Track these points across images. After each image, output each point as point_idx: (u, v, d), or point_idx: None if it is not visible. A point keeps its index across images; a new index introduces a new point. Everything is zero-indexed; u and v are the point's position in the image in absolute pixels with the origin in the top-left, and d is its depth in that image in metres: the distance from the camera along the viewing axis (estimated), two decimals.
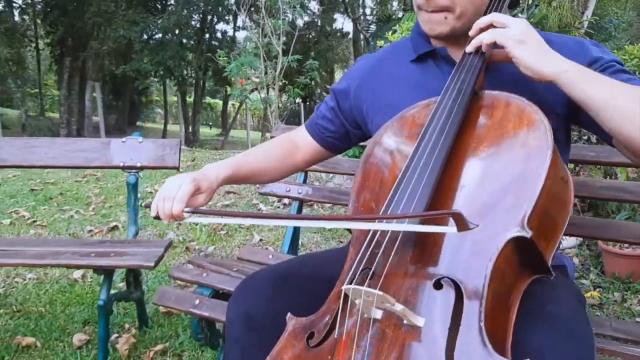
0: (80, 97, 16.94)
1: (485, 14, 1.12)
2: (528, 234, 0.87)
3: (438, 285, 0.89)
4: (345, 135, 1.37)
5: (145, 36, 14.48)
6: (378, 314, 0.87)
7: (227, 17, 16.83)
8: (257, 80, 5.05)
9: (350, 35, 20.29)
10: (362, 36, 18.10)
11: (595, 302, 2.38)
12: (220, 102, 25.57)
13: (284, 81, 5.48)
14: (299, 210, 2.01)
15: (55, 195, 4.23)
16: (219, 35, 17.22)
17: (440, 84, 1.09)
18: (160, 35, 14.25)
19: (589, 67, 1.06)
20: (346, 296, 0.91)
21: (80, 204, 4.07)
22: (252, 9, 5.73)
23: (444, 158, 0.96)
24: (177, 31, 14.53)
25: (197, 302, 1.63)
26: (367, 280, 0.94)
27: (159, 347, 2.05)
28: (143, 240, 2.07)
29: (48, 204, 4.08)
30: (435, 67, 1.22)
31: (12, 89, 16.98)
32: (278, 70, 5.27)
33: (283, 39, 5.34)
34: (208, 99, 27.25)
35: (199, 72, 16.22)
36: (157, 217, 1.08)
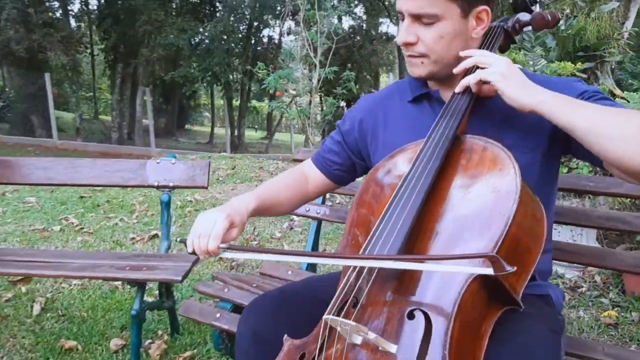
0: (131, 102, 17.54)
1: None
2: (492, 272, 0.96)
3: (410, 316, 0.99)
4: (352, 167, 1.48)
5: (193, 43, 14.88)
6: (358, 340, 0.98)
7: (272, 22, 17.16)
8: (294, 92, 5.20)
9: (396, 39, 20.24)
10: None
11: (612, 321, 2.41)
12: (266, 105, 25.97)
13: (320, 94, 5.60)
14: (318, 227, 2.14)
15: (102, 202, 4.49)
16: (265, 40, 17.52)
17: (432, 124, 1.20)
18: (207, 42, 14.63)
19: (578, 97, 1.16)
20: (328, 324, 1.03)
21: (125, 211, 4.31)
22: (293, 21, 5.89)
23: (421, 202, 1.06)
24: (224, 38, 14.87)
25: (217, 315, 1.77)
26: (352, 309, 1.06)
27: (188, 353, 2.21)
28: (174, 254, 2.21)
29: (95, 211, 4.34)
30: (429, 108, 1.32)
31: (68, 92, 17.70)
32: (315, 82, 5.41)
33: (320, 50, 5.47)
34: (254, 102, 27.69)
35: (245, 77, 16.57)
36: (193, 253, 1.15)
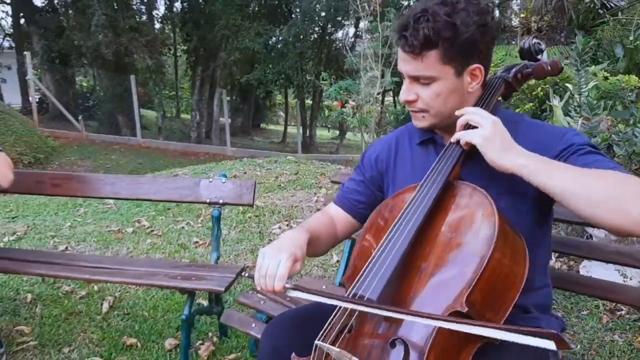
0: (209, 102, 18.28)
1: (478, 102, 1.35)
2: (464, 309, 1.09)
3: (392, 344, 1.14)
4: (376, 203, 1.60)
5: (267, 47, 15.33)
6: None
7: (346, 24, 17.34)
8: (354, 103, 5.35)
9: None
10: None
11: None
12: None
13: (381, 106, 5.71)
14: (351, 246, 2.29)
15: (172, 206, 4.82)
16: (337, 43, 17.72)
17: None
18: (280, 45, 15.03)
19: (563, 151, 1.26)
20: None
21: (191, 216, 4.62)
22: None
23: (407, 245, 1.19)
24: (297, 41, 15.21)
25: (253, 325, 1.98)
26: (346, 334, 1.22)
27: (232, 356, 2.43)
28: (222, 265, 2.43)
29: (165, 214, 4.68)
30: (434, 152, 1.45)
31: (153, 92, 18.65)
32: (376, 92, 5.53)
33: (381, 60, 5.59)
34: (327, 102, 28.03)
35: (317, 79, 16.88)
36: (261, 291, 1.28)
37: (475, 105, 1.36)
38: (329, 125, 27.99)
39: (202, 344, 2.50)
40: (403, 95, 1.37)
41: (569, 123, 2.99)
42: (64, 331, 2.65)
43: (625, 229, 1.11)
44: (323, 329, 1.22)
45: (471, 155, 1.33)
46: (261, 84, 16.01)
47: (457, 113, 1.30)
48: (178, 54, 23.09)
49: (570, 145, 1.28)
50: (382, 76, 5.63)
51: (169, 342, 2.51)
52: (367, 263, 1.22)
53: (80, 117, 15.26)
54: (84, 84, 24.36)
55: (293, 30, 14.59)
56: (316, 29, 16.76)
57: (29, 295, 3.02)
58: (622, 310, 2.71)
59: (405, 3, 12.94)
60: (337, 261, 3.54)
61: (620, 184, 1.13)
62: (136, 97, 15.30)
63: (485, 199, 1.21)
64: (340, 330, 1.24)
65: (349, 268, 1.38)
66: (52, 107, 17.36)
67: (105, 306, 2.91)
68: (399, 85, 5.80)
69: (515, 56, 4.08)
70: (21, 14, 20.29)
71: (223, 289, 2.12)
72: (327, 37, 17.71)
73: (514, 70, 1.49)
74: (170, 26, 20.85)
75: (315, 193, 5.05)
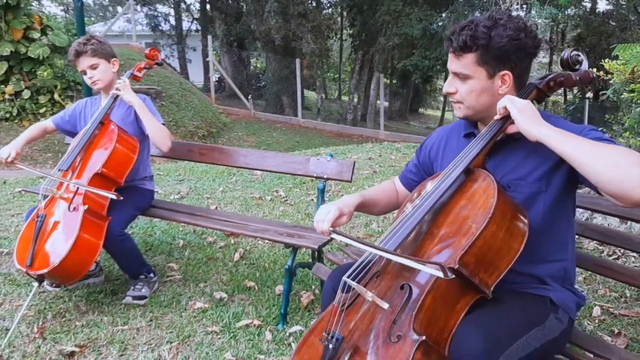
0: (367, 86, 18.88)
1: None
2: (455, 266, 1.44)
3: (402, 287, 1.53)
4: None
5: (427, 33, 15.44)
6: (369, 296, 1.55)
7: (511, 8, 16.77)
8: None
9: None
10: None
11: None
12: None
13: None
14: None
15: (307, 180, 5.42)
16: None
17: None
18: (439, 31, 15.06)
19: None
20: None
21: None
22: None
23: (425, 214, 1.56)
24: None
25: None
26: (374, 279, 1.63)
27: None
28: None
29: (300, 187, 5.30)
30: None
31: (316, 75, 19.68)
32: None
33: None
34: None
35: None
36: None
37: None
38: None
39: (305, 292, 3.02)
40: (445, 87, 1.73)
41: None
42: (202, 271, 3.34)
43: (625, 195, 1.34)
44: (352, 269, 1.64)
45: (501, 149, 1.65)
46: (417, 69, 16.18)
47: (499, 105, 1.58)
48: (344, 39, 24.03)
49: (582, 130, 1.56)
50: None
51: (279, 288, 3.07)
52: (396, 222, 1.62)
53: (249, 97, 16.72)
54: (258, 65, 26.38)
55: (453, 16, 14.53)
56: (476, 14, 16.49)
57: (181, 242, 3.80)
58: None
59: None
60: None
61: (626, 154, 1.38)
62: (299, 80, 16.38)
63: (492, 184, 1.53)
64: (370, 275, 1.66)
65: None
66: (228, 86, 19.20)
67: (237, 256, 3.56)
68: None
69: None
70: (207, 0, 22.48)
71: (317, 247, 2.61)
72: None
73: (547, 78, 1.75)
74: (338, 11, 21.79)
75: None
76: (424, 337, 1.38)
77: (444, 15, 15.43)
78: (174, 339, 2.54)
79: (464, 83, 1.67)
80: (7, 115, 8.82)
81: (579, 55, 1.75)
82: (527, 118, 1.50)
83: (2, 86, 8.82)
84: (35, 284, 2.62)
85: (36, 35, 8.97)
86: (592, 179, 1.40)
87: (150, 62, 3.13)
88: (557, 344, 1.68)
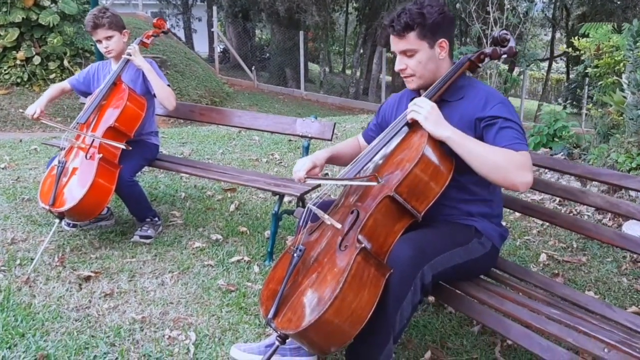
0: (370, 60, 19.13)
1: None
2: (391, 193, 1.85)
3: (352, 212, 1.94)
4: None
5: None
6: (326, 219, 1.96)
7: None
8: None
9: None
10: None
11: None
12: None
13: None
14: None
15: (300, 146, 5.80)
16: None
17: None
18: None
19: (488, 119, 1.94)
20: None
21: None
22: None
23: (375, 153, 1.99)
24: (456, 4, 15.30)
25: None
26: (332, 208, 2.06)
27: None
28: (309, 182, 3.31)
29: (294, 152, 5.71)
30: None
31: (319, 47, 19.86)
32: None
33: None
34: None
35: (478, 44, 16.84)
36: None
37: (445, 75, 2.06)
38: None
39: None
40: (396, 66, 2.12)
41: (624, 97, 3.35)
42: (201, 218, 3.76)
43: (508, 187, 1.83)
44: (316, 200, 2.07)
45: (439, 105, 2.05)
46: None
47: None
48: (349, 12, 24.13)
49: (495, 117, 1.94)
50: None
51: (268, 233, 3.49)
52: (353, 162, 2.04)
53: (253, 68, 17.02)
54: (264, 37, 26.53)
55: None
56: None
57: (183, 194, 4.23)
58: None
59: None
60: None
61: (508, 159, 1.82)
62: (302, 52, 16.64)
63: (423, 136, 1.93)
64: (332, 208, 2.08)
65: None
66: (232, 57, 19.46)
67: (232, 207, 3.98)
68: None
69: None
70: None
71: (299, 194, 3.03)
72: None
73: (477, 52, 2.14)
74: None
75: None
76: (363, 245, 1.79)
77: None
78: (175, 270, 2.98)
79: (412, 58, 2.05)
80: (19, 80, 9.18)
81: (506, 35, 2.13)
82: (431, 123, 1.90)
83: (14, 52, 9.17)
84: (57, 220, 3.05)
85: (47, 2, 9.27)
86: (479, 174, 1.86)
87: (158, 30, 3.51)
88: (479, 264, 2.11)
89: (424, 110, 1.92)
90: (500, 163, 1.81)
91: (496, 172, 1.82)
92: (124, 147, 3.04)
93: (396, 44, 2.06)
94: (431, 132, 1.90)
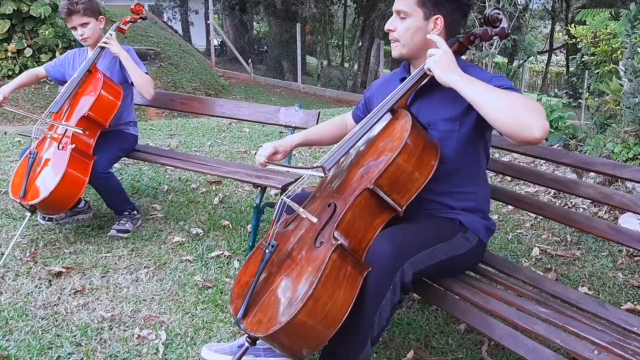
0: (367, 53, 18.95)
1: None
2: (370, 186, 1.72)
3: (329, 205, 1.81)
4: None
5: None
6: (301, 212, 1.83)
7: None
8: None
9: None
10: None
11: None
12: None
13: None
14: None
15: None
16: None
17: None
18: None
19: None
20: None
21: (304, 148, 5.44)
22: None
23: (353, 143, 1.85)
24: None
25: None
26: (308, 200, 1.93)
27: None
28: (290, 174, 3.16)
29: None
30: None
31: (317, 40, 19.69)
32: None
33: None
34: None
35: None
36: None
37: None
38: None
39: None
40: (387, 25, 1.98)
41: (621, 85, 3.22)
42: (183, 212, 3.64)
43: (523, 134, 1.57)
44: (290, 192, 1.94)
45: (423, 93, 1.92)
46: None
47: (429, 37, 1.85)
48: (348, 4, 23.91)
49: (491, 79, 1.80)
50: None
51: (249, 226, 3.37)
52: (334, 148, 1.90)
53: (250, 61, 16.86)
54: (261, 30, 26.33)
55: None
56: None
57: (166, 187, 4.10)
58: None
59: None
60: None
61: (519, 100, 1.63)
62: (300, 45, 16.47)
63: (408, 121, 1.80)
64: (308, 200, 1.95)
65: None
66: (229, 50, 19.29)
67: (216, 200, 3.86)
68: None
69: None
70: None
71: (281, 186, 2.90)
72: None
73: (468, 33, 2.00)
74: None
75: None
76: (339, 242, 1.66)
77: None
78: (151, 265, 2.85)
79: (403, 22, 1.91)
80: (10, 72, 9.04)
81: (499, 14, 1.97)
82: (439, 66, 1.73)
83: (5, 44, 9.03)
84: (28, 214, 2.92)
85: None
86: (490, 120, 1.65)
87: (135, 16, 3.37)
88: (464, 260, 1.97)
89: (435, 55, 1.76)
90: (512, 103, 1.62)
91: (508, 114, 1.60)
92: (80, 131, 2.89)
93: (397, 2, 1.93)
94: (437, 77, 1.74)
